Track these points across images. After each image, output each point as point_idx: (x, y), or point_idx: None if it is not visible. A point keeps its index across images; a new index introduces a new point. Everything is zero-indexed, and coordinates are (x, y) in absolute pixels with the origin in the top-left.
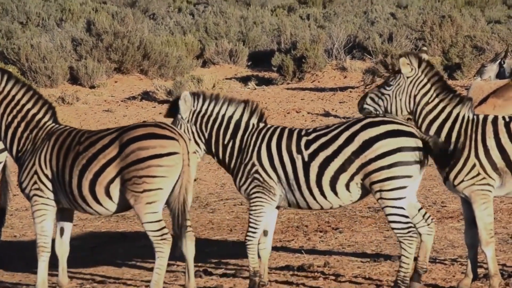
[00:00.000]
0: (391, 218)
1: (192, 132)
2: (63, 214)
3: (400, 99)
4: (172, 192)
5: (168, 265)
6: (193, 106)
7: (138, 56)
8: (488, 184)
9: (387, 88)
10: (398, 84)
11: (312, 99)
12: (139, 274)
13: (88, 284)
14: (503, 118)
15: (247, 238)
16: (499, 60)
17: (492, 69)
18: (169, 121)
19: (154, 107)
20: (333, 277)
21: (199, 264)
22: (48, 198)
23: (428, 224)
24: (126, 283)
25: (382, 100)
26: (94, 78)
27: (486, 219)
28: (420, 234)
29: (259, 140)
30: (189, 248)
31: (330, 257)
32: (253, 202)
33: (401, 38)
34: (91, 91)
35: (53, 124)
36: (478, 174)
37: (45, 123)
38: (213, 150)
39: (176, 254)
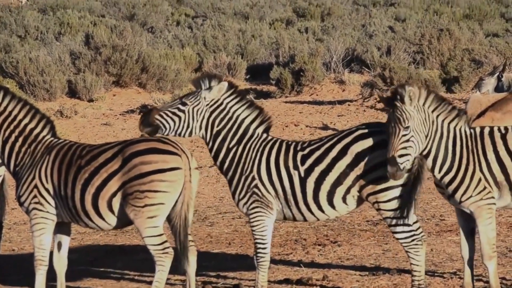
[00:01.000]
0: (393, 229)
1: (202, 118)
2: (61, 228)
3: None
4: (174, 208)
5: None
6: (220, 96)
7: (136, 70)
8: (493, 198)
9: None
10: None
11: (311, 112)
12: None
13: None
14: (499, 130)
15: (258, 255)
16: (497, 74)
17: (490, 83)
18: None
19: None
20: None
21: (198, 278)
22: (48, 212)
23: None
24: None
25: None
26: (92, 91)
27: (490, 233)
28: None
29: (259, 153)
30: (190, 262)
31: (329, 270)
32: (254, 217)
33: (399, 52)
34: (89, 105)
35: (52, 138)
36: (485, 188)
37: (43, 137)
38: (216, 149)
39: (180, 271)
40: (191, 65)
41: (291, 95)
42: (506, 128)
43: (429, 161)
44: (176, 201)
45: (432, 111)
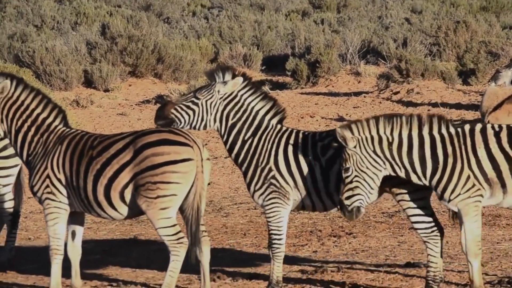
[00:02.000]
0: (413, 219)
1: (216, 111)
2: (75, 218)
3: None
4: (186, 199)
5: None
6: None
7: (152, 60)
8: (482, 196)
9: None
10: None
11: (326, 103)
12: (152, 277)
13: (101, 287)
14: (492, 127)
15: (274, 246)
16: None
17: (507, 75)
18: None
19: None
20: (346, 282)
21: (213, 268)
22: (60, 201)
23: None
24: (140, 286)
25: None
26: (108, 81)
27: (476, 231)
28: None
29: (275, 144)
30: (204, 253)
31: (344, 262)
32: (270, 208)
33: (415, 43)
34: (105, 95)
35: (64, 128)
36: (474, 185)
37: (55, 126)
38: (231, 141)
39: (192, 261)
40: (207, 56)
41: (307, 87)
42: (500, 126)
43: (411, 176)
44: (189, 192)
45: (391, 133)
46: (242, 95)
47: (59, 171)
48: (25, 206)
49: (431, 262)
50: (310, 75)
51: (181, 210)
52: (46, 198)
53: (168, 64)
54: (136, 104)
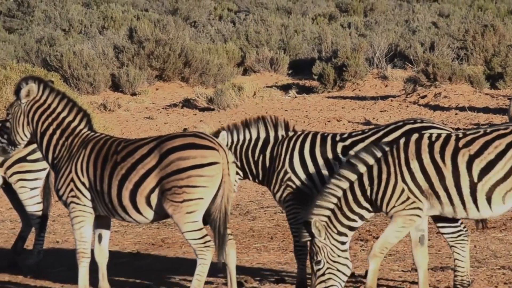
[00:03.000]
0: (439, 223)
1: (241, 160)
2: (101, 221)
3: None
4: (213, 202)
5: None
6: (233, 139)
7: (179, 64)
8: (419, 208)
9: None
10: None
11: (353, 107)
12: (180, 281)
13: None
14: (429, 137)
15: (297, 249)
16: None
17: None
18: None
19: (195, 114)
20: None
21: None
22: (85, 205)
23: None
24: None
25: None
26: (135, 85)
27: (392, 240)
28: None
29: (290, 148)
30: (231, 257)
31: None
32: (289, 210)
33: (443, 47)
34: (132, 98)
35: (89, 132)
36: (408, 198)
37: (80, 130)
38: (254, 173)
39: (218, 265)
40: (234, 60)
41: (334, 90)
42: (438, 136)
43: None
44: (216, 195)
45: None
46: (244, 138)
47: (83, 175)
48: (53, 209)
49: (459, 266)
50: (337, 79)
51: (208, 213)
52: (71, 202)
53: (195, 68)
54: (163, 108)
